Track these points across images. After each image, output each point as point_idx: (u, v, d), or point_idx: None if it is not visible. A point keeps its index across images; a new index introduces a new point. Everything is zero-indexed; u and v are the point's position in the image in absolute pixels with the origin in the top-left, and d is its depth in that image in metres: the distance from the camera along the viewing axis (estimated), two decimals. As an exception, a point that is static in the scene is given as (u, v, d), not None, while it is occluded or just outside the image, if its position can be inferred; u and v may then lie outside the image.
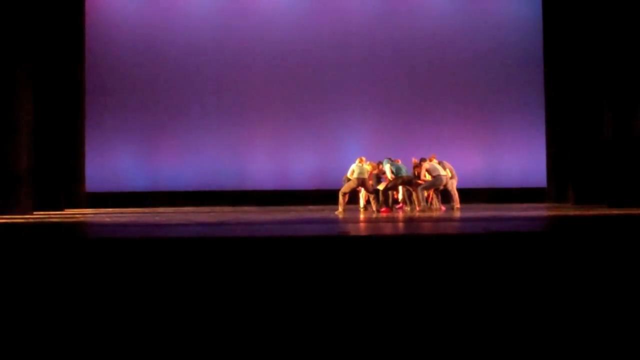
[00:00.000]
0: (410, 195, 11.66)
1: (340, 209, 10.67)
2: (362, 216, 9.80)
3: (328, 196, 13.53)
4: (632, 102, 11.11)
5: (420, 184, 11.06)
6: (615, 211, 9.87)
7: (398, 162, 11.34)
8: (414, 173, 11.33)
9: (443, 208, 11.53)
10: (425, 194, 11.25)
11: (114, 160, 14.81)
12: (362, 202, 11.89)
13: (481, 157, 15.34)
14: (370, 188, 11.03)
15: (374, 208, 10.88)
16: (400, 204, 11.94)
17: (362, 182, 10.74)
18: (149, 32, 15.00)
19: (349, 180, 11.02)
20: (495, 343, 3.84)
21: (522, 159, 15.46)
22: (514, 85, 15.58)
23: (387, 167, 11.09)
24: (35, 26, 11.52)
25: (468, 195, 13.44)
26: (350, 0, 15.62)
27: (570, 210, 10.52)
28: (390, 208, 11.38)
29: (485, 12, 15.70)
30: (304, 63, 15.26)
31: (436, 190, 11.58)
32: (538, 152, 15.34)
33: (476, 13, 15.66)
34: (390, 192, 11.40)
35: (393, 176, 10.97)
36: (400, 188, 11.62)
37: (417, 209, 10.81)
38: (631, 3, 11.01)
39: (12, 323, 4.05)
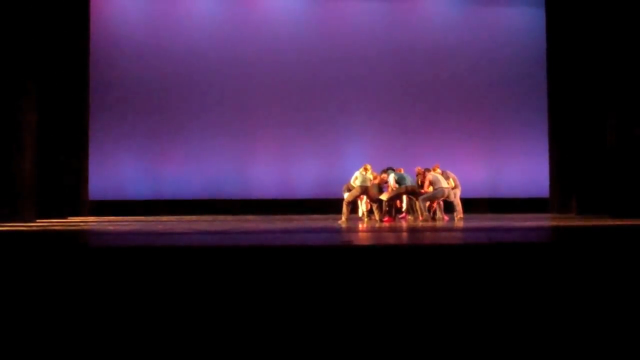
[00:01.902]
0: (413, 205, 11.62)
1: (344, 218, 10.65)
2: (364, 226, 9.79)
3: (331, 205, 13.53)
4: (636, 113, 11.11)
5: (422, 194, 11.05)
6: (618, 222, 9.84)
7: (401, 171, 11.33)
8: (418, 182, 11.30)
9: (446, 218, 11.51)
10: (428, 204, 11.23)
11: (117, 169, 14.84)
12: (360, 211, 11.87)
13: (484, 167, 15.35)
14: (374, 196, 10.99)
15: (377, 217, 10.87)
16: (404, 214, 11.93)
17: (364, 190, 10.72)
18: (152, 42, 15.07)
19: (349, 190, 11.02)
20: (499, 353, 3.83)
21: (525, 169, 15.46)
22: (517, 95, 15.61)
23: (390, 177, 11.07)
24: (40, 34, 11.59)
25: (470, 205, 13.42)
26: (353, 10, 15.68)
27: (573, 221, 10.49)
28: (394, 218, 11.36)
29: (488, 22, 15.75)
30: (308, 72, 15.31)
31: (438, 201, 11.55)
32: (541, 162, 15.33)
33: (479, 23, 15.71)
34: (393, 202, 11.38)
35: (396, 185, 10.95)
36: (404, 197, 11.60)
37: (420, 219, 10.79)
38: (635, 12, 11.03)
39: (15, 331, 4.05)
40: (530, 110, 15.52)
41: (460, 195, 11.72)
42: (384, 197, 11.29)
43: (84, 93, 14.42)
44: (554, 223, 10.13)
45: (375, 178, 11.20)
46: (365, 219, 11.59)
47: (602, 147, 12.29)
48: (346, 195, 11.08)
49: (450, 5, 15.79)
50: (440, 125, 15.41)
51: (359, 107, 15.34)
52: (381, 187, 11.58)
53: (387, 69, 15.45)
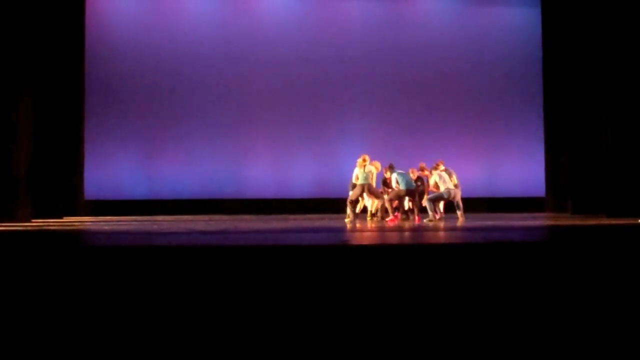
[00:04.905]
0: (410, 206, 11.58)
1: (350, 217, 10.61)
2: (367, 225, 9.78)
3: (327, 205, 13.52)
4: (631, 113, 11.14)
5: (427, 193, 11.00)
6: (613, 221, 9.87)
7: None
8: (416, 183, 11.25)
9: (438, 217, 11.49)
10: (441, 205, 11.15)
11: (113, 168, 14.80)
12: (368, 210, 11.73)
13: (480, 167, 15.36)
14: (377, 193, 10.88)
15: (378, 215, 10.83)
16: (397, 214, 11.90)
17: (368, 187, 10.64)
18: (148, 40, 15.04)
19: (354, 185, 10.86)
20: (495, 352, 3.84)
21: (521, 169, 15.49)
22: (513, 95, 15.64)
23: (393, 177, 11.03)
24: (36, 33, 11.55)
25: (467, 204, 13.38)
26: (350, 10, 15.68)
27: (568, 220, 10.52)
28: (398, 216, 11.33)
29: (485, 23, 15.77)
30: (305, 72, 15.30)
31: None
32: (537, 162, 15.37)
33: (476, 24, 15.73)
34: (393, 202, 11.33)
35: (398, 186, 10.91)
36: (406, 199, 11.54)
37: (435, 218, 10.66)
38: (629, 14, 11.06)
39: (11, 331, 4.04)
40: (526, 110, 15.55)
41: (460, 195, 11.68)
42: (385, 197, 11.23)
43: (80, 92, 14.38)
44: (550, 222, 10.16)
45: (377, 169, 11.12)
46: (373, 219, 11.43)
47: (597, 147, 12.32)
48: (350, 194, 10.97)
49: (446, 4, 15.80)
50: (437, 125, 15.42)
51: (355, 106, 15.35)
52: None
53: (383, 68, 15.45)
